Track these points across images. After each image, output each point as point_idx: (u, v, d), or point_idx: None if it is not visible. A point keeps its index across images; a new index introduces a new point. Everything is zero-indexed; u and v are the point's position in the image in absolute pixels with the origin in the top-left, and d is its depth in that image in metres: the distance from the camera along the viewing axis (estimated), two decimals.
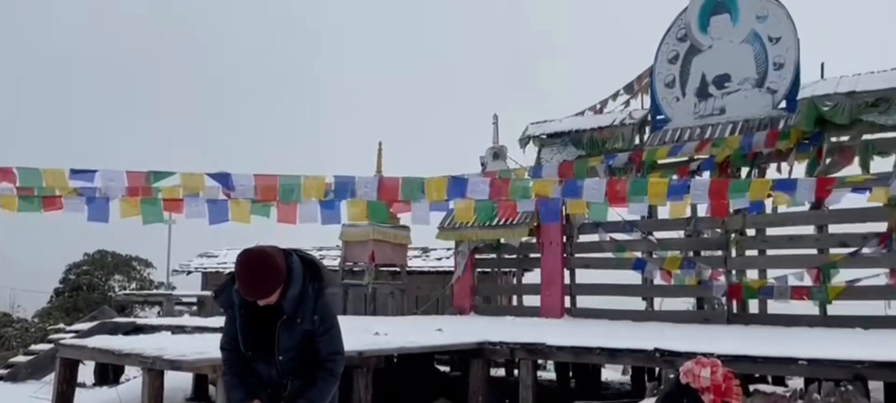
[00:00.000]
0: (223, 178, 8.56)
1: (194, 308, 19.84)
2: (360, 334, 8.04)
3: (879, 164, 11.04)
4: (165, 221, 10.22)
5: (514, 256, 14.62)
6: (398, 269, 16.86)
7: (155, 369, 5.95)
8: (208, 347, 6.24)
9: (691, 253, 12.61)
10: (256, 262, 2.93)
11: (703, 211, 11.86)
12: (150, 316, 19.90)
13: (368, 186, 9.08)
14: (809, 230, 11.67)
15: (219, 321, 11.09)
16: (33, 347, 13.56)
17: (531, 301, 14.34)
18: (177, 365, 5.79)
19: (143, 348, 6.28)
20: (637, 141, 13.22)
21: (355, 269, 16.46)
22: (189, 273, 24.01)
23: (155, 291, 24.11)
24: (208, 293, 19.21)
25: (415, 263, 19.92)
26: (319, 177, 8.93)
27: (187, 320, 12.68)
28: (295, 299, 3.03)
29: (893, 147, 10.97)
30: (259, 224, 9.41)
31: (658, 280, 12.67)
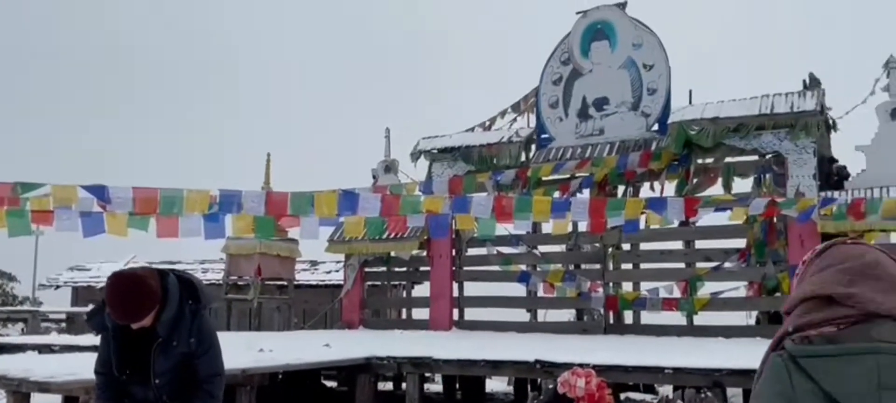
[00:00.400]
0: (98, 190, 8.14)
1: (63, 325, 18.63)
2: (244, 350, 7.86)
3: (740, 185, 12.04)
4: (33, 234, 9.57)
5: (404, 269, 14.75)
6: (285, 283, 16.56)
7: (20, 391, 5.59)
8: (79, 367, 5.94)
9: (572, 267, 13.20)
10: (127, 286, 2.84)
11: (583, 226, 12.46)
12: (12, 334, 18.47)
13: (255, 201, 8.90)
14: (678, 245, 12.51)
15: (90, 339, 10.51)
16: None
17: (420, 313, 14.50)
18: (45, 387, 5.47)
19: (7, 369, 5.88)
20: (523, 158, 13.71)
21: (240, 283, 16.03)
22: (58, 287, 22.50)
23: (19, 307, 22.42)
24: (79, 309, 18.12)
25: (303, 276, 19.61)
26: (203, 191, 8.66)
27: (55, 338, 11.92)
28: (170, 321, 2.96)
29: (752, 169, 11.98)
30: (138, 237, 9.03)
31: (541, 292, 13.18)
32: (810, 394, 1.29)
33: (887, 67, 11.47)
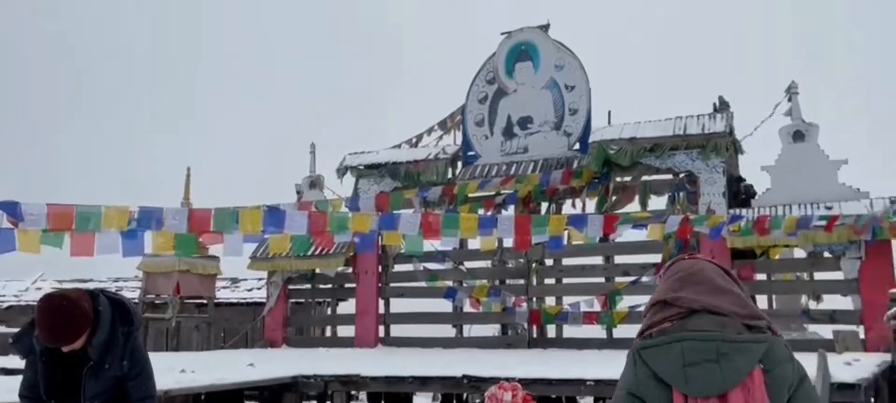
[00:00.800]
0: (10, 207, 7.75)
1: None
2: (165, 372, 7.61)
3: (656, 202, 12.56)
4: None
5: (329, 286, 14.62)
6: (205, 301, 16.13)
7: None
8: None
9: (498, 282, 13.41)
10: (58, 308, 2.78)
11: (508, 242, 12.70)
12: None
13: (177, 217, 8.65)
14: (598, 260, 12.92)
15: (1, 361, 9.94)
16: None
17: (345, 331, 14.38)
18: None
19: None
20: (450, 175, 13.88)
21: (157, 302, 15.52)
22: None
23: None
24: None
25: (223, 294, 19.13)
26: (123, 208, 8.37)
27: None
28: (102, 344, 2.91)
29: (667, 187, 12.52)
30: (48, 254, 8.65)
31: (467, 307, 13.33)
32: (646, 377, 1.76)
33: (789, 92, 12.25)
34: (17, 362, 8.75)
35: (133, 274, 18.12)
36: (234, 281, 20.67)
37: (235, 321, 17.36)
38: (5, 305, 20.30)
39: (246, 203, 9.63)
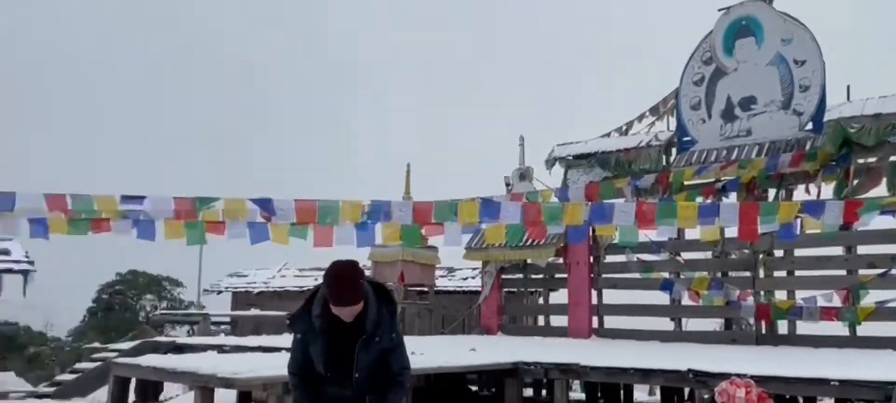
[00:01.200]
0: (264, 203, 8.89)
1: (226, 327, 20.23)
2: None
3: None
4: (206, 243, 10.58)
5: (541, 276, 14.80)
6: (426, 289, 17.10)
7: (208, 387, 6.23)
8: (256, 365, 6.55)
9: (719, 274, 12.69)
10: (348, 271, 3.30)
11: (729, 231, 11.96)
12: (179, 335, 20.29)
13: (403, 210, 9.34)
14: (838, 251, 11.70)
15: (256, 340, 11.40)
16: (78, 365, 14.07)
17: (558, 321, 14.47)
18: (230, 383, 6.06)
19: (197, 366, 6.57)
20: (663, 162, 13.38)
21: None
22: (219, 292, 24.48)
23: (192, 311, 24.62)
24: (242, 313, 19.61)
25: (441, 282, 20.15)
26: (357, 202, 9.22)
27: (224, 339, 13.03)
28: (374, 320, 3.36)
29: None
30: (293, 245, 9.75)
31: (686, 300, 12.77)
32: None
33: None
34: (276, 341, 9.97)
35: (361, 264, 19.69)
36: (451, 270, 21.67)
37: (452, 308, 18.19)
38: (256, 291, 23.10)
39: (454, 196, 10.09)
